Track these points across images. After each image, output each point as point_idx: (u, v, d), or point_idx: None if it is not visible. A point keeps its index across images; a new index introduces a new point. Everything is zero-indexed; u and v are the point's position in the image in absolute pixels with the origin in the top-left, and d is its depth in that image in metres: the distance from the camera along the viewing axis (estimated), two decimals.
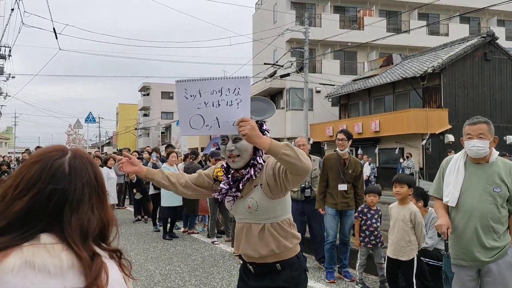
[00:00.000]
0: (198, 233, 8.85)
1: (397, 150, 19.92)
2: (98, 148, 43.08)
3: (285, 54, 24.88)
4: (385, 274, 4.37)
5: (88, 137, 27.83)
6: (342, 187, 5.57)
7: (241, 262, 2.41)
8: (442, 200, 3.14)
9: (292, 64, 23.60)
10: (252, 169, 2.21)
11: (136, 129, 56.72)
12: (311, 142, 22.11)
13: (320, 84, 24.94)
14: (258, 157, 2.23)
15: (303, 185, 5.94)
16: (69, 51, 22.82)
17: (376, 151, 21.75)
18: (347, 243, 5.70)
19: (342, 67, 28.58)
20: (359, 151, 20.88)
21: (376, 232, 5.17)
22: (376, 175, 18.50)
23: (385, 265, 5.28)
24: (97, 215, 1.04)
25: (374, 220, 5.19)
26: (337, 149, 5.66)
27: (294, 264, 2.22)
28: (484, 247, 2.92)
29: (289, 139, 26.95)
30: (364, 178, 6.10)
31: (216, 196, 2.33)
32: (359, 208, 5.38)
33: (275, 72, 23.63)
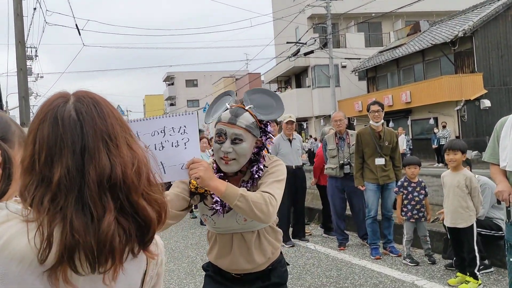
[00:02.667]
0: None
1: (431, 120, 19.35)
2: None
3: (307, 31, 24.44)
4: (450, 244, 4.17)
5: None
6: (380, 161, 5.38)
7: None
8: (498, 165, 2.92)
9: (315, 40, 23.16)
10: (255, 180, 1.90)
11: None
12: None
13: (345, 59, 24.41)
14: (260, 163, 1.91)
15: (342, 162, 5.76)
16: (93, 45, 23.14)
17: (409, 122, 21.20)
18: (390, 218, 5.51)
19: (367, 40, 27.85)
20: (391, 124, 20.40)
21: (419, 206, 4.97)
22: (411, 147, 18.05)
23: (429, 239, 5.10)
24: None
25: (416, 193, 5.00)
26: (370, 122, 5.45)
27: (281, 260, 2.07)
28: None
29: (317, 117, 26.61)
30: (400, 151, 5.88)
31: (208, 216, 1.95)
32: (399, 183, 5.17)
33: (298, 51, 23.26)
